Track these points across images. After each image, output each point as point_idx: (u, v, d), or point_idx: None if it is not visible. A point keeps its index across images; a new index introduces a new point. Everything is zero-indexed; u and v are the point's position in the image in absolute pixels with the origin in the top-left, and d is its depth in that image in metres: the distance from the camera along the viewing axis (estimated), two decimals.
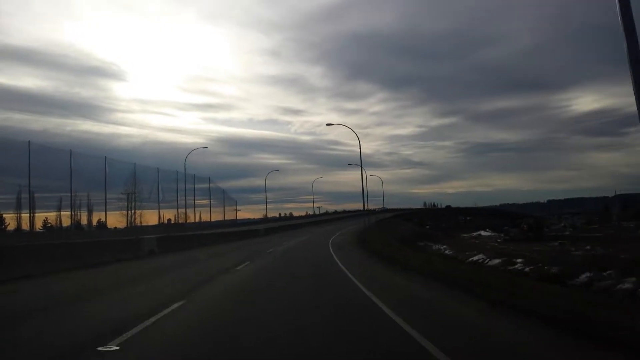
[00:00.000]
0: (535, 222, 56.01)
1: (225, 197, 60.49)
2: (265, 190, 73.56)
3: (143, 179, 41.27)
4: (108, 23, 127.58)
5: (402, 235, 39.70)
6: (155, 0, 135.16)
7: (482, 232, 55.87)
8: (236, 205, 64.16)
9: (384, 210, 78.53)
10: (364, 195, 53.47)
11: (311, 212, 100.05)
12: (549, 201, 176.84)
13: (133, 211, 40.28)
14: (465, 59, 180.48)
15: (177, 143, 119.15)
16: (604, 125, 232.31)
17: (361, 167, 37.24)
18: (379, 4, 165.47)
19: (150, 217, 43.62)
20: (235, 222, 60.67)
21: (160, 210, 45.59)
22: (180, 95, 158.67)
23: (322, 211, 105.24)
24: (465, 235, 52.67)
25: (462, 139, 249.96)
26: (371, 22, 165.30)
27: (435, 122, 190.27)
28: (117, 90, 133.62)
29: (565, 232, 53.41)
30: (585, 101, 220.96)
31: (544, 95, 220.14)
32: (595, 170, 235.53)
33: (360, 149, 35.73)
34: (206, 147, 53.18)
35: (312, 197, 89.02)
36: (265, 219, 75.21)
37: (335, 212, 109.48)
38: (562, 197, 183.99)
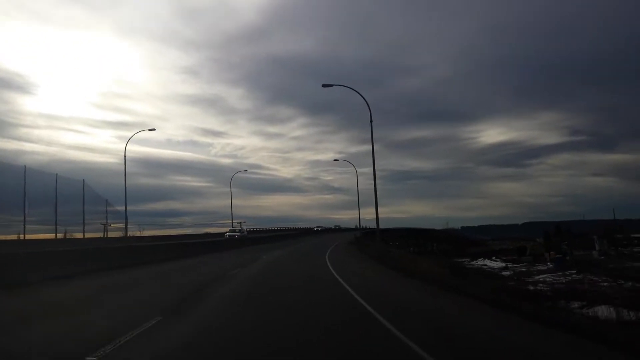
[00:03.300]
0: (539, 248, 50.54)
1: (110, 212, 39.34)
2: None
3: None
4: (14, 31, 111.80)
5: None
6: (67, 11, 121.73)
7: (487, 261, 47.44)
8: (126, 221, 43.30)
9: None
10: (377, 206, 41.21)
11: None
12: (462, 227, 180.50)
13: None
14: (383, 88, 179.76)
15: (88, 162, 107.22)
16: (508, 157, 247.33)
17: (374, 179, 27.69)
18: (299, 30, 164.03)
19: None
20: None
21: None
22: (93, 112, 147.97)
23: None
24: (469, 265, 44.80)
25: (380, 167, 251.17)
26: (292, 47, 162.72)
27: (355, 148, 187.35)
28: (23, 103, 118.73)
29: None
30: (492, 133, 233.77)
31: (455, 126, 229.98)
32: (502, 199, 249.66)
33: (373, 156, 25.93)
34: None
35: (231, 221, 63.67)
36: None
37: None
38: (475, 225, 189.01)
